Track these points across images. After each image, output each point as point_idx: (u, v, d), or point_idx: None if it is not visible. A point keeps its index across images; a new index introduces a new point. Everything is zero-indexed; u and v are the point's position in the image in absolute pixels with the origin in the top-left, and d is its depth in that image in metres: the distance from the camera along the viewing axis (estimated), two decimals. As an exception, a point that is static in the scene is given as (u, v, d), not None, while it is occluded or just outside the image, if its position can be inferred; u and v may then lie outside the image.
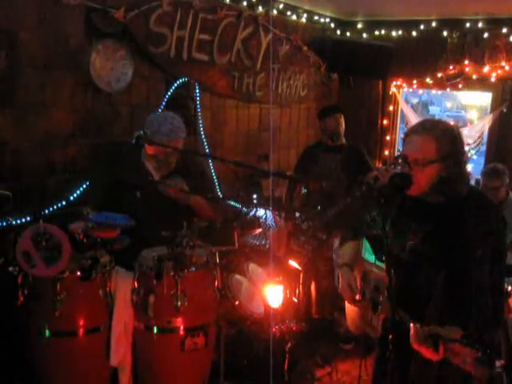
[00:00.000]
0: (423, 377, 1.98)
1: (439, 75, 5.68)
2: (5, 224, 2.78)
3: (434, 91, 6.61)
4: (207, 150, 4.28)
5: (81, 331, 2.35)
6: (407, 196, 2.01)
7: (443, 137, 1.94)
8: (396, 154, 6.40)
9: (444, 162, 1.93)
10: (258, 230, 3.87)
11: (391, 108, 6.22)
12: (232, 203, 3.81)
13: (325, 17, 5.75)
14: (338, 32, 6.03)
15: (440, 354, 1.69)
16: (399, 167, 2.00)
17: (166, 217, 2.69)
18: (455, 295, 1.95)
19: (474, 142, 5.77)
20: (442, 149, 1.92)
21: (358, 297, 2.26)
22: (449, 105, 21.75)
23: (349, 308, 2.45)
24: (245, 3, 4.46)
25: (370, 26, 5.96)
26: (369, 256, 2.36)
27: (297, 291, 3.70)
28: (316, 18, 5.61)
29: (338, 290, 2.35)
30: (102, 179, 2.92)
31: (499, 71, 5.37)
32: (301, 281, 3.76)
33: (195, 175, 3.00)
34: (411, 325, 1.79)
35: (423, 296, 2.02)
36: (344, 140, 4.39)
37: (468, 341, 1.65)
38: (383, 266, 2.16)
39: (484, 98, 7.91)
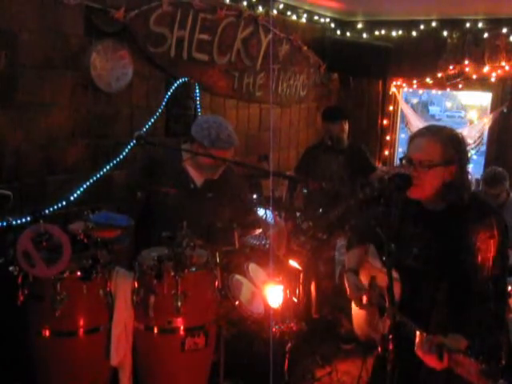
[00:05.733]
0: (433, 377, 1.99)
1: (439, 75, 5.69)
2: (5, 224, 2.78)
3: (433, 91, 6.63)
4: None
5: (81, 331, 2.35)
6: (410, 202, 2.02)
7: (449, 141, 1.95)
8: (397, 154, 6.41)
9: (448, 166, 1.94)
10: (258, 230, 3.87)
11: (391, 108, 6.23)
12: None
13: (325, 17, 5.75)
14: (338, 32, 6.04)
15: (444, 363, 1.70)
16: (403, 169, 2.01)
17: (199, 223, 2.67)
18: (459, 301, 1.95)
19: (474, 142, 5.77)
20: (447, 152, 1.93)
21: (364, 300, 2.25)
22: (449, 105, 21.78)
23: (356, 314, 2.44)
24: (245, 3, 4.46)
25: (370, 26, 5.97)
26: (375, 261, 2.35)
27: (297, 291, 3.70)
28: (316, 18, 5.62)
29: (338, 291, 2.35)
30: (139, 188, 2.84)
31: (499, 71, 5.38)
32: (301, 281, 3.76)
33: (233, 190, 2.98)
34: (417, 333, 1.79)
35: (428, 302, 2.02)
36: (346, 142, 4.39)
37: (472, 352, 1.65)
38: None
39: (484, 98, 7.91)
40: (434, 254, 2.03)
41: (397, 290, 2.03)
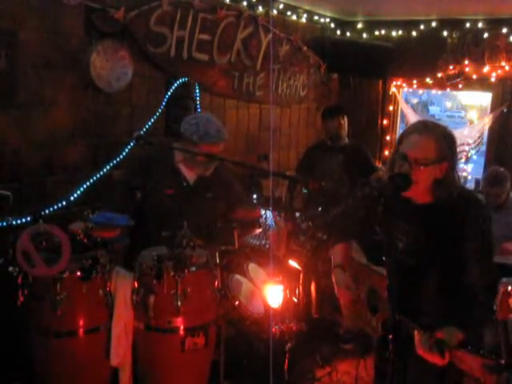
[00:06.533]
0: (423, 374, 2.00)
1: (439, 75, 5.69)
2: (5, 224, 2.78)
3: (433, 91, 6.63)
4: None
5: (81, 331, 2.35)
6: (396, 196, 2.02)
7: (443, 138, 1.97)
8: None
9: (441, 164, 1.95)
10: (258, 230, 3.87)
11: (391, 108, 6.23)
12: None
13: (325, 17, 5.75)
14: (338, 32, 6.03)
15: (446, 360, 1.71)
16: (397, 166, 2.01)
17: (194, 220, 2.68)
18: (448, 292, 1.96)
19: (474, 142, 5.77)
20: (442, 150, 1.95)
21: (353, 296, 2.25)
22: (449, 105, 21.77)
23: (345, 307, 2.43)
24: (245, 3, 4.46)
25: (370, 26, 5.97)
26: (360, 257, 2.34)
27: (297, 291, 3.70)
28: (316, 18, 5.62)
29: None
30: (134, 187, 2.84)
31: (499, 71, 5.38)
32: (301, 281, 3.76)
33: (225, 184, 3.00)
34: (415, 332, 1.80)
35: (417, 295, 2.04)
36: (346, 140, 4.39)
37: (473, 347, 1.66)
38: (376, 267, 2.16)
39: (484, 98, 7.91)
40: (422, 248, 2.05)
41: (384, 285, 2.04)
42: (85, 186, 3.29)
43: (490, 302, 1.97)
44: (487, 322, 1.99)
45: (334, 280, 2.31)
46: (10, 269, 2.29)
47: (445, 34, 5.61)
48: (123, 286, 2.48)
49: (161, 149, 3.03)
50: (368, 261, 2.25)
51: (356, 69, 5.53)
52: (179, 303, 2.35)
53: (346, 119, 4.34)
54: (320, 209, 4.04)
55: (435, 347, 1.71)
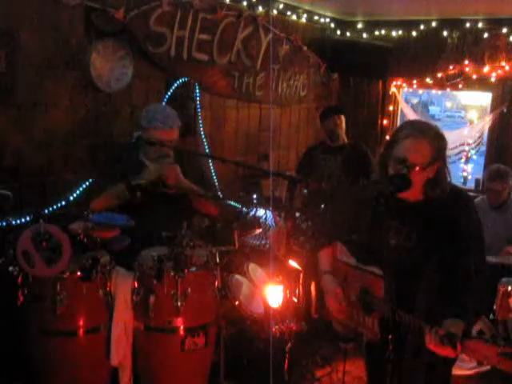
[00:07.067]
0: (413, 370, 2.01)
1: (439, 75, 5.69)
2: (5, 224, 2.78)
3: (434, 91, 6.62)
4: (207, 150, 4.28)
5: (81, 331, 2.35)
6: (385, 195, 2.03)
7: (436, 139, 2.00)
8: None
9: (435, 163, 1.98)
10: (258, 230, 3.87)
11: (391, 108, 6.22)
12: (232, 203, 3.81)
13: (325, 17, 5.75)
14: (338, 32, 6.03)
15: (458, 351, 1.71)
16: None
17: (167, 217, 2.69)
18: (445, 284, 1.98)
19: (474, 142, 5.76)
20: (435, 151, 1.99)
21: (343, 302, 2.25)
22: (449, 105, 21.81)
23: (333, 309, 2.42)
24: (245, 3, 4.46)
25: (370, 26, 5.97)
26: (349, 258, 2.33)
27: (297, 291, 3.70)
28: (316, 17, 5.62)
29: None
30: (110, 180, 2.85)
31: (499, 71, 5.38)
32: (301, 281, 3.76)
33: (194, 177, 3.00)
34: (424, 327, 1.80)
35: (411, 290, 2.05)
36: (346, 140, 4.38)
37: (484, 336, 1.67)
38: (366, 267, 2.16)
39: (484, 98, 7.90)
40: (416, 245, 2.07)
41: (380, 285, 2.04)
42: (85, 186, 3.29)
43: (483, 290, 2.02)
44: (482, 311, 2.02)
45: (324, 287, 2.32)
46: (10, 269, 2.30)
47: (445, 34, 5.61)
48: (123, 286, 2.48)
49: (127, 146, 3.05)
50: (360, 261, 2.24)
51: (356, 69, 5.53)
52: (179, 303, 2.36)
53: (342, 118, 4.32)
54: (320, 209, 4.05)
55: (446, 340, 1.72)
